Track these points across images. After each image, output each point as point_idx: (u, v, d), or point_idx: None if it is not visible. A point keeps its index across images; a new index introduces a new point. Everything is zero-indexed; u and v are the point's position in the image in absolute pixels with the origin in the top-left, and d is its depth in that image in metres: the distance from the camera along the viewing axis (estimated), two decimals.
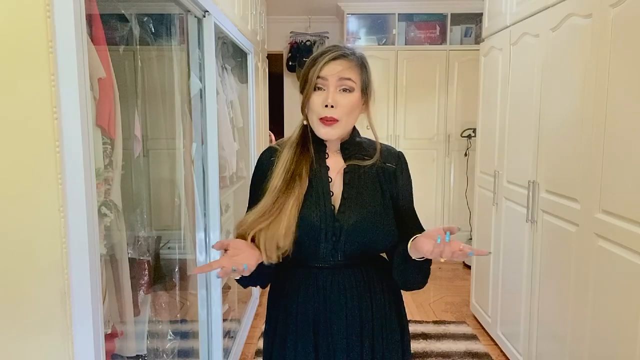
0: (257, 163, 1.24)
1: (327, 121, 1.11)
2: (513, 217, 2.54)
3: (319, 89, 1.12)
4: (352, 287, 1.15)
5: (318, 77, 1.11)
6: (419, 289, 1.19)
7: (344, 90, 1.12)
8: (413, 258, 1.07)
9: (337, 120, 1.11)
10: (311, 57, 1.16)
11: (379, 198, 1.17)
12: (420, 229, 1.23)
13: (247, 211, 1.24)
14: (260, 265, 1.08)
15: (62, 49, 0.91)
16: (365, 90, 1.16)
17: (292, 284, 1.18)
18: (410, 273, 1.14)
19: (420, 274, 1.14)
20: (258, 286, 1.27)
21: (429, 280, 1.18)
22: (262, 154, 1.24)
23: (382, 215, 1.16)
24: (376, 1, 4.32)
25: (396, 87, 4.38)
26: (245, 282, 1.16)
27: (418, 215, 1.26)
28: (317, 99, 1.12)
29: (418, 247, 1.04)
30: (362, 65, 1.15)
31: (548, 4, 2.14)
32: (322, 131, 1.13)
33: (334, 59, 1.11)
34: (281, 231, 1.08)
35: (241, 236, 1.10)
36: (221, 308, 2.12)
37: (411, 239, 1.08)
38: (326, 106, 1.10)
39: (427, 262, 1.11)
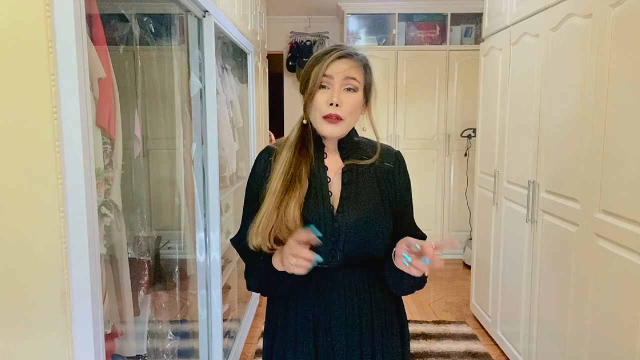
0: (254, 163, 1.24)
1: (331, 119, 1.11)
2: (513, 217, 2.54)
3: (324, 87, 1.12)
4: (351, 288, 1.15)
5: (324, 75, 1.11)
6: (412, 293, 1.20)
7: (348, 89, 1.12)
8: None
9: (342, 119, 1.12)
10: (314, 55, 1.15)
11: (377, 198, 1.17)
12: (414, 231, 1.23)
13: (244, 210, 1.24)
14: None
15: (62, 49, 0.91)
16: (368, 91, 1.17)
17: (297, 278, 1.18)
18: (404, 281, 1.12)
19: (413, 281, 1.12)
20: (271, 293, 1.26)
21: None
22: (259, 154, 1.24)
23: (381, 215, 1.16)
24: (376, 1, 4.31)
25: (396, 87, 4.38)
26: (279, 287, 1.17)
27: (418, 215, 1.26)
28: (321, 97, 1.12)
29: (396, 262, 1.06)
30: (365, 66, 1.16)
31: (548, 4, 2.14)
32: (325, 129, 1.13)
33: (340, 57, 1.11)
34: (291, 233, 1.09)
35: (262, 245, 1.11)
36: (221, 308, 2.12)
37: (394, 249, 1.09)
38: (331, 104, 1.10)
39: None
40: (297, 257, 0.99)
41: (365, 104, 1.18)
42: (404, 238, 1.05)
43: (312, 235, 1.01)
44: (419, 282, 1.14)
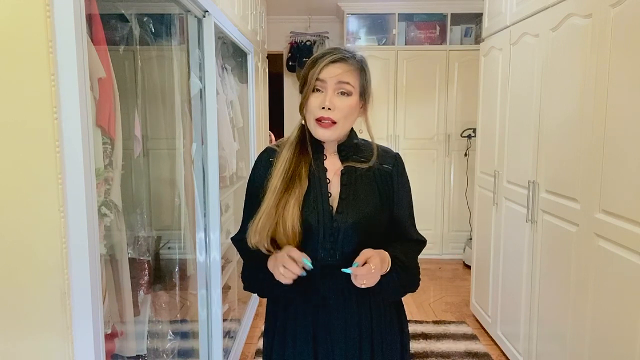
0: (255, 164, 1.24)
1: (324, 122, 1.12)
2: (513, 217, 2.54)
3: (318, 90, 1.13)
4: (350, 288, 1.15)
5: (317, 79, 1.11)
6: (402, 296, 1.21)
7: (342, 93, 1.12)
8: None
9: (335, 123, 1.12)
10: (311, 57, 1.16)
11: (376, 199, 1.17)
12: (410, 233, 1.24)
13: (244, 209, 1.24)
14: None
15: (62, 49, 0.91)
16: (364, 94, 1.17)
17: (291, 284, 1.18)
18: (382, 290, 1.15)
19: (391, 288, 1.16)
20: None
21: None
22: (260, 154, 1.24)
23: (379, 216, 1.17)
24: (376, 1, 4.31)
25: (396, 87, 4.38)
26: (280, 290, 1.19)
27: (418, 215, 1.27)
28: (315, 100, 1.12)
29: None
30: (361, 69, 1.15)
31: (548, 4, 2.14)
32: (318, 132, 1.13)
33: (334, 62, 1.12)
34: (288, 232, 1.10)
35: (259, 244, 1.13)
36: (221, 308, 2.12)
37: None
38: (323, 108, 1.11)
39: (396, 275, 1.15)
40: (286, 269, 1.05)
41: (362, 107, 1.18)
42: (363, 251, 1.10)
43: (302, 263, 1.07)
44: (402, 288, 1.17)
